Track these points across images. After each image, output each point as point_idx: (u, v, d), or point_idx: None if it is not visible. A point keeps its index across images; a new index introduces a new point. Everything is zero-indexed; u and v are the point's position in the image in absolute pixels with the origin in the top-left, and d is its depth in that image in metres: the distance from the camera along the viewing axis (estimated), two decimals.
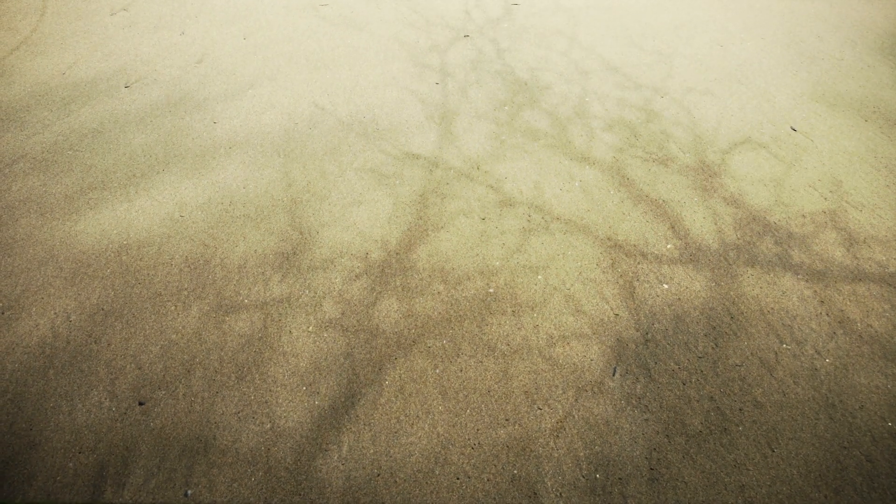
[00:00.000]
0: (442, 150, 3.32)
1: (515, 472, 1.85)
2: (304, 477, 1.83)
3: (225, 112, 3.65)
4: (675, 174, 3.15)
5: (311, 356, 2.20)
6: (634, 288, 2.51)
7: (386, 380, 2.13)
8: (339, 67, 4.17)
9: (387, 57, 4.33)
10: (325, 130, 3.48)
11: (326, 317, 2.36)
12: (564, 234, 2.79)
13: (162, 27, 4.78)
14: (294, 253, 2.66)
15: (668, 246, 2.73)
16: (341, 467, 1.86)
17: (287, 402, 2.05)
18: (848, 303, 2.43)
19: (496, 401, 2.06)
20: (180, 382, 2.10)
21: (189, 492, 1.78)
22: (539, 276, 2.56)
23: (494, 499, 1.79)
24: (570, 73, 4.12)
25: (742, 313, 2.40)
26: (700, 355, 2.23)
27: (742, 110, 3.70)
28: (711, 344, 2.27)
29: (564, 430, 1.97)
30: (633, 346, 2.26)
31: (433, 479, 1.83)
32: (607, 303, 2.44)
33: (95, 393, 2.06)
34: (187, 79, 4.02)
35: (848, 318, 2.37)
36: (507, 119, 3.61)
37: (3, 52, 4.34)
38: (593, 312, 2.39)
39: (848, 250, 2.70)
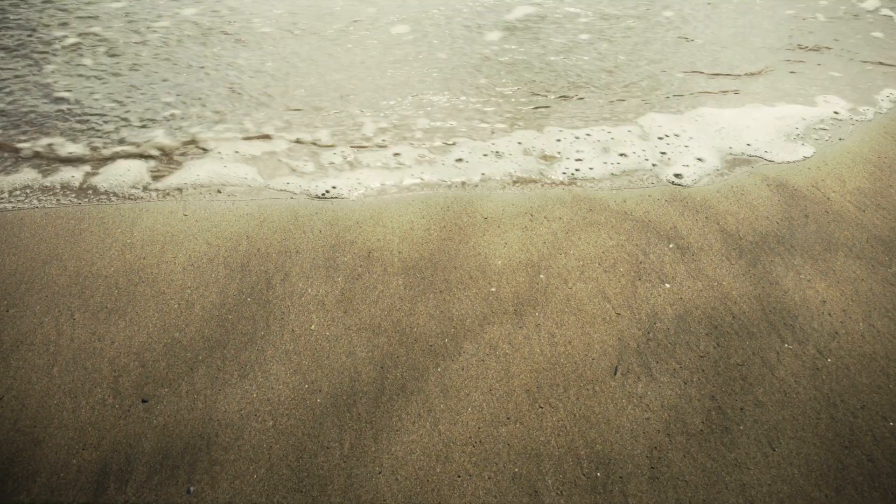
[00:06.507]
0: None
1: (516, 470, 1.86)
2: (306, 474, 1.84)
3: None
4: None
5: (314, 354, 2.22)
6: (636, 287, 2.51)
7: (388, 378, 2.14)
8: None
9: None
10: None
11: (329, 315, 2.37)
12: (566, 233, 2.80)
13: None
14: (297, 252, 2.67)
15: (671, 245, 2.74)
16: (343, 465, 1.86)
17: (289, 400, 2.06)
18: (849, 301, 2.43)
19: (497, 399, 2.07)
20: (183, 380, 2.12)
21: (191, 488, 1.80)
22: (541, 276, 2.56)
23: (495, 497, 1.79)
24: None
25: (744, 313, 2.40)
26: (701, 354, 2.23)
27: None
28: (713, 343, 2.28)
29: (565, 428, 1.98)
30: (635, 345, 2.26)
31: (434, 477, 1.84)
32: (609, 302, 2.44)
33: (99, 390, 2.08)
34: None
35: (850, 317, 2.37)
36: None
37: None
38: (595, 311, 2.40)
39: (851, 250, 2.70)
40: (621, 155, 3.39)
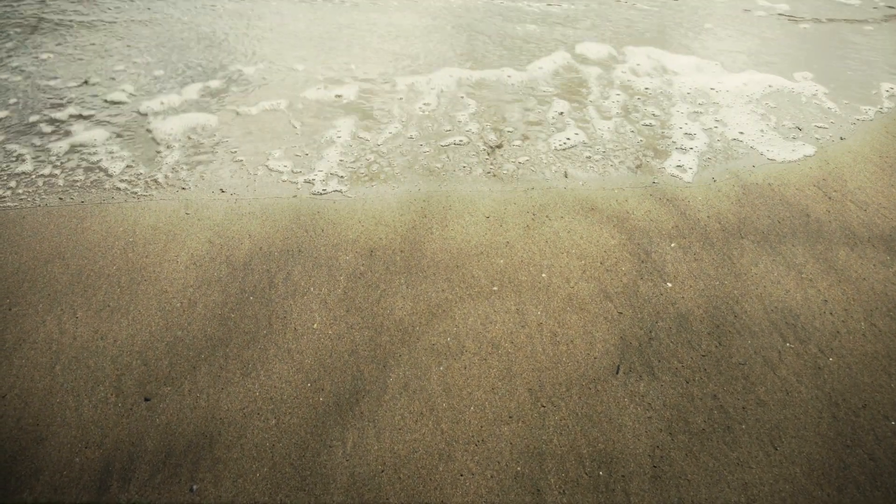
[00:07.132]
0: None
1: (519, 468, 1.86)
2: (309, 473, 1.84)
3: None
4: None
5: (316, 353, 2.22)
6: (638, 286, 2.51)
7: (390, 377, 2.14)
8: None
9: None
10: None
11: (331, 314, 2.37)
12: (568, 232, 2.80)
13: None
14: (299, 251, 2.67)
15: (672, 244, 2.74)
16: (345, 463, 1.87)
17: (292, 398, 2.06)
18: (851, 300, 2.44)
19: (500, 398, 2.07)
20: (186, 378, 2.12)
21: (195, 487, 1.80)
22: (543, 275, 2.56)
23: (498, 495, 1.79)
24: None
25: (746, 312, 2.40)
26: (703, 353, 2.23)
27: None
28: (715, 342, 2.28)
29: (568, 427, 1.98)
30: (637, 345, 2.26)
31: (437, 476, 1.84)
32: (611, 301, 2.44)
33: (101, 389, 2.08)
34: None
35: (851, 316, 2.37)
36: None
37: None
38: (597, 310, 2.40)
39: (853, 249, 2.70)
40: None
